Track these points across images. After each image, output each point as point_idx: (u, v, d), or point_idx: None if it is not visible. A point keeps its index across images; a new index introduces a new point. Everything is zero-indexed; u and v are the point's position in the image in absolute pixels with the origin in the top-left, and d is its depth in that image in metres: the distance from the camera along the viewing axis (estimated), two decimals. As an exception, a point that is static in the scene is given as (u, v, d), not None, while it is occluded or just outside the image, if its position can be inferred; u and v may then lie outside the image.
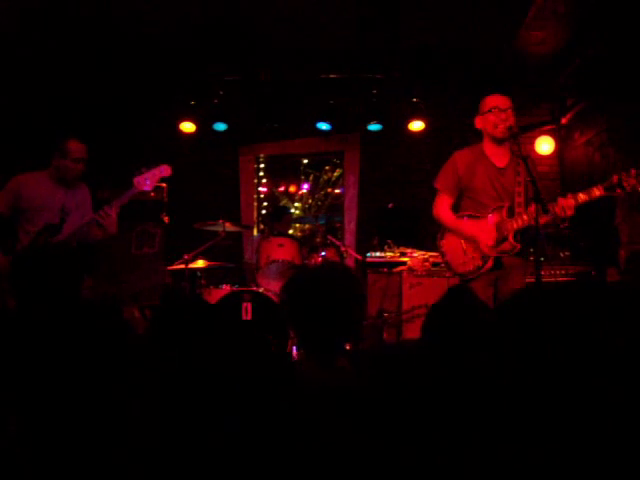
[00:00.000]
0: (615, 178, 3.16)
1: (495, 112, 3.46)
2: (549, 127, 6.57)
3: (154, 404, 1.29)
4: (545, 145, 6.50)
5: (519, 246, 3.40)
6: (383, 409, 1.23)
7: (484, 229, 3.46)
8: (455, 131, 6.36)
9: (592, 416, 1.03)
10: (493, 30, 5.37)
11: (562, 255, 5.00)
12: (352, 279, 2.03)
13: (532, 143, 6.44)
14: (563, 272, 4.86)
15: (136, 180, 3.91)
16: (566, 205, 3.20)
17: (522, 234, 3.40)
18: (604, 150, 5.46)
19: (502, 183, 3.51)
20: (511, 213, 3.43)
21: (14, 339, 1.45)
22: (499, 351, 1.48)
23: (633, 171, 3.13)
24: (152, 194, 5.88)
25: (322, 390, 1.78)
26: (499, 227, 3.43)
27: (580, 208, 3.24)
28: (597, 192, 3.20)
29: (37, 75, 5.93)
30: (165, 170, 4.00)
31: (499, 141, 3.52)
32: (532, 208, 3.23)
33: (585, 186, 3.25)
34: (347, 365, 1.93)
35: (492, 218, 3.46)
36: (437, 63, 6.16)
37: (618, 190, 3.15)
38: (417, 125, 6.41)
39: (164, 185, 6.01)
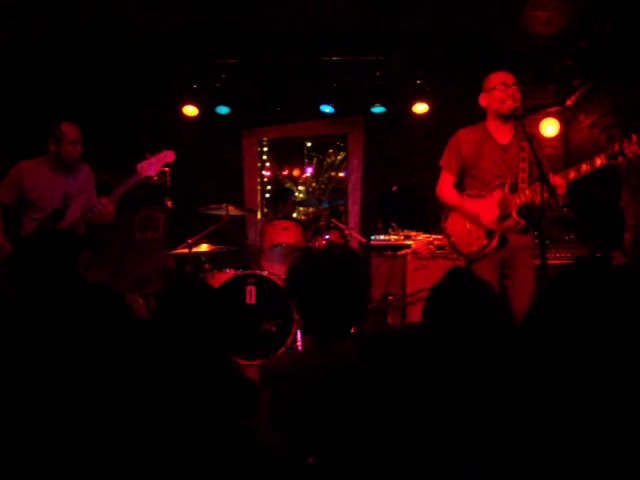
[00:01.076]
0: (616, 145, 3.13)
1: (501, 88, 3.42)
2: (554, 109, 6.52)
3: (151, 398, 1.28)
4: (550, 127, 6.46)
5: (523, 222, 3.38)
6: (386, 394, 1.22)
7: (486, 207, 3.45)
8: (459, 113, 6.31)
9: (595, 413, 1.02)
10: (497, 10, 5.31)
11: (567, 238, 4.99)
12: (357, 261, 2.00)
13: (537, 125, 6.40)
14: (569, 255, 4.84)
15: (139, 166, 3.91)
16: (558, 184, 3.20)
17: (526, 210, 3.39)
18: (609, 132, 5.42)
19: (506, 160, 3.48)
20: (514, 189, 3.40)
21: (15, 328, 1.44)
22: (501, 333, 1.48)
23: (634, 137, 3.10)
24: (155, 178, 5.87)
25: (326, 374, 1.78)
26: (502, 204, 3.41)
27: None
28: (599, 161, 3.17)
29: (38, 62, 5.90)
30: (169, 156, 3.99)
31: (505, 117, 3.48)
32: (536, 186, 3.22)
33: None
34: (351, 348, 1.93)
35: (495, 195, 3.45)
36: (440, 44, 6.10)
37: (620, 158, 3.12)
38: (421, 107, 6.37)
39: (167, 169, 5.99)
